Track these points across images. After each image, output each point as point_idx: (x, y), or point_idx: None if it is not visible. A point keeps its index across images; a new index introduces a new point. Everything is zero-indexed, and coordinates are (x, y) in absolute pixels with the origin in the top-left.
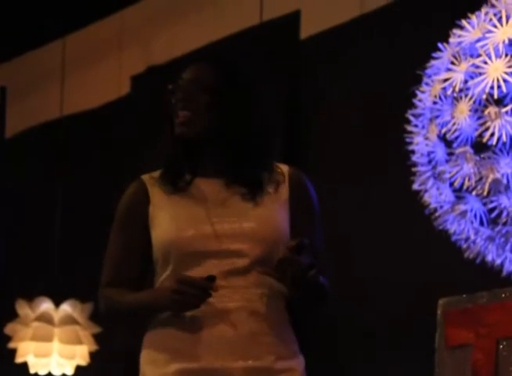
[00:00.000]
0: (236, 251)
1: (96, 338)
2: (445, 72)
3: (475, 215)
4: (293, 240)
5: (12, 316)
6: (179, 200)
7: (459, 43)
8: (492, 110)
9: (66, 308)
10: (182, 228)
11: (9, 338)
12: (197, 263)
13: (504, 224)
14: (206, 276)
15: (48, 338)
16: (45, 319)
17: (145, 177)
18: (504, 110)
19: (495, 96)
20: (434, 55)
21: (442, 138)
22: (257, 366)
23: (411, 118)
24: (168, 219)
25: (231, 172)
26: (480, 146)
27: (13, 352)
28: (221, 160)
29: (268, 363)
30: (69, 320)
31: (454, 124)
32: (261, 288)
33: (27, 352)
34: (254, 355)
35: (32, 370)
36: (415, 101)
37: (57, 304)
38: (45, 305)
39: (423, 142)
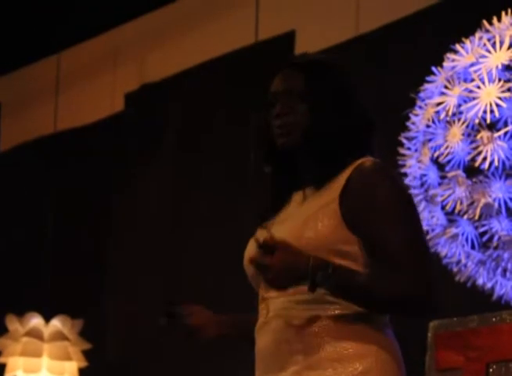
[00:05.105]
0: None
1: (86, 354)
2: (438, 96)
3: (467, 239)
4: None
5: (2, 331)
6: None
7: (453, 67)
8: (484, 134)
9: (56, 323)
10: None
11: None
12: (257, 286)
13: (495, 248)
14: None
15: (37, 354)
16: (35, 334)
17: None
18: (497, 134)
19: (488, 121)
20: (427, 78)
21: (435, 161)
22: None
23: (404, 141)
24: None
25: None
26: (472, 170)
27: (3, 367)
28: (315, 168)
29: (291, 373)
30: (59, 336)
31: (447, 147)
32: (297, 295)
33: (16, 367)
34: (281, 365)
35: None
36: (408, 124)
37: (47, 319)
38: (35, 321)
39: (415, 165)
